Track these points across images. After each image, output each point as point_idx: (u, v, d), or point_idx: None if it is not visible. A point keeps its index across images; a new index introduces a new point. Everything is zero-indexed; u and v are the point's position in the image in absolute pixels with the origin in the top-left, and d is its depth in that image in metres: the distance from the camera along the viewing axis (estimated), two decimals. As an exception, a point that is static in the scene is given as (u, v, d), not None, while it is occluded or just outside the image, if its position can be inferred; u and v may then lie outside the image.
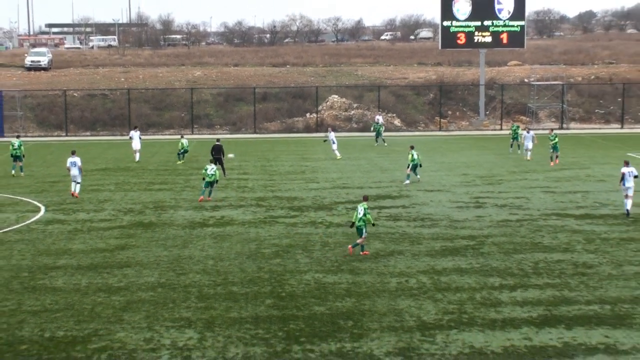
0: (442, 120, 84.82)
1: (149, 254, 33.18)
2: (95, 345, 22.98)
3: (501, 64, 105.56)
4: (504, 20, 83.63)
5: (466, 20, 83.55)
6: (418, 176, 49.76)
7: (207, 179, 44.50)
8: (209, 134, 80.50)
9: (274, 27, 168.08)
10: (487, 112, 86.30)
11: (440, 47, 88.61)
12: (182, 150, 59.37)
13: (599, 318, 25.24)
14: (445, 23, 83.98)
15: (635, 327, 24.41)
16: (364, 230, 32.92)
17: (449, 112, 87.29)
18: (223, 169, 52.40)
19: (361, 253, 32.88)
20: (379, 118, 75.43)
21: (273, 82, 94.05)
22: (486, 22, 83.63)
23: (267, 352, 22.53)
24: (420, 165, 49.88)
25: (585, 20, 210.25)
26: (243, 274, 30.29)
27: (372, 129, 73.70)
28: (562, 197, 45.19)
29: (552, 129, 63.04)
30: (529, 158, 59.77)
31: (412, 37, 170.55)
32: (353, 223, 33.11)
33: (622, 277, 29.71)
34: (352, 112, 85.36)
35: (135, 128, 63.04)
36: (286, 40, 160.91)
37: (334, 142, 61.31)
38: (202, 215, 40.81)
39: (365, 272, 30.32)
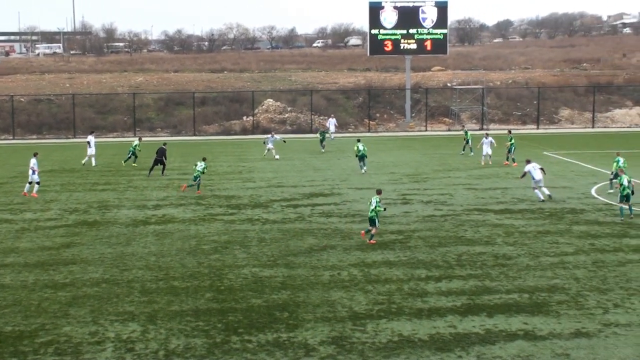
0: (370, 122, 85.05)
1: (93, 251, 32.78)
2: (42, 340, 22.63)
3: (425, 70, 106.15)
4: (428, 29, 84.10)
5: (393, 28, 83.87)
6: (365, 168, 49.87)
7: (195, 174, 46.80)
8: (151, 136, 79.85)
9: (212, 35, 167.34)
10: (413, 115, 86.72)
11: (368, 54, 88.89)
12: (131, 152, 58.33)
13: (518, 306, 25.43)
14: (374, 31, 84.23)
15: (552, 314, 24.63)
16: (376, 221, 33.81)
17: (377, 115, 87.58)
18: (163, 169, 52.98)
19: (368, 241, 33.67)
20: (331, 122, 75.08)
21: (211, 87, 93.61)
22: (411, 31, 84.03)
23: (207, 343, 22.37)
24: (366, 157, 51.07)
25: (503, 29, 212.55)
26: (184, 269, 30.06)
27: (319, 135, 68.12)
28: (483, 194, 45.52)
29: (509, 130, 62.29)
30: (483, 163, 57.17)
31: (342, 44, 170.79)
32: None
33: (539, 267, 29.98)
34: (287, 115, 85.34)
35: (92, 132, 62.16)
36: (224, 47, 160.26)
37: (269, 144, 60.72)
38: (144, 214, 40.44)
39: (300, 266, 30.26)
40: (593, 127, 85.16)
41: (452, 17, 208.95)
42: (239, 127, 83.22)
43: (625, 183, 38.19)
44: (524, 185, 47.02)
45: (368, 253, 32.14)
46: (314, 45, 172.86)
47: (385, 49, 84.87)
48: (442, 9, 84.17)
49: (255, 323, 24.01)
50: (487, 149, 57.34)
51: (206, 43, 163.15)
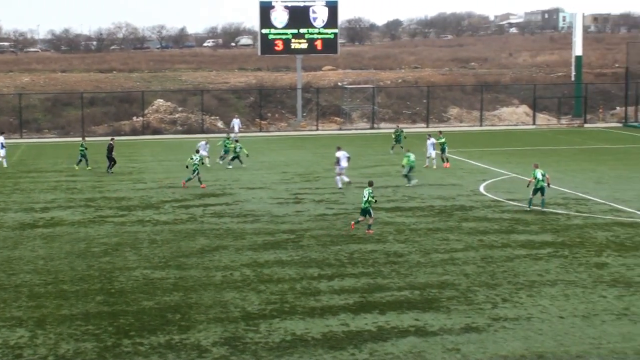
0: (262, 122, 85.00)
1: (-21, 255, 32.06)
2: None
3: (316, 69, 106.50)
4: (319, 28, 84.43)
5: (284, 28, 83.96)
6: (413, 181, 48.47)
7: (191, 167, 47.45)
8: (38, 138, 78.43)
9: (101, 34, 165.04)
10: (304, 114, 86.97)
11: (259, 53, 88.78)
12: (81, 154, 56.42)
13: (410, 303, 25.74)
14: (264, 31, 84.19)
15: (442, 310, 25.00)
16: (370, 211, 35.32)
17: (269, 114, 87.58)
18: (111, 165, 54.56)
19: (366, 232, 35.27)
20: (235, 122, 74.05)
21: (100, 87, 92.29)
22: (302, 30, 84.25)
23: (98, 347, 22.08)
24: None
25: (393, 28, 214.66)
26: (73, 272, 29.61)
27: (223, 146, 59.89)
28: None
29: (440, 131, 60.74)
30: (427, 165, 54.81)
31: (233, 44, 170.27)
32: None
33: (430, 264, 30.40)
34: (177, 115, 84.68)
35: (2, 133, 60.66)
36: (112, 47, 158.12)
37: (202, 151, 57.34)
38: (31, 217, 39.67)
39: (192, 267, 30.10)
40: (481, 125, 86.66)
41: (343, 16, 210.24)
42: (129, 127, 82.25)
43: (539, 177, 39.62)
44: (415, 183, 47.56)
45: (260, 253, 32.14)
46: (205, 44, 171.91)
47: (276, 48, 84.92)
48: (333, 9, 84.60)
49: (147, 325, 23.79)
50: (430, 151, 54.85)
51: (94, 43, 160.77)
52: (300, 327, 23.56)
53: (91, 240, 34.75)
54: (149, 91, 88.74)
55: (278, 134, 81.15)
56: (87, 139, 61.33)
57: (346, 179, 47.04)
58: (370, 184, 36.41)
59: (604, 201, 42.59)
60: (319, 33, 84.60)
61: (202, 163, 48.08)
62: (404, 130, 67.07)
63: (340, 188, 46.24)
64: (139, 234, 35.73)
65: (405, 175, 47.87)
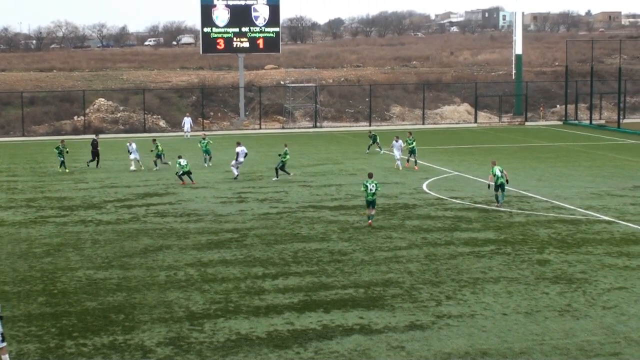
0: (204, 121, 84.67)
1: None
2: None
3: (259, 68, 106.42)
4: (261, 27, 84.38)
5: (225, 26, 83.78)
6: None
7: (183, 170, 47.83)
8: (-23, 137, 77.47)
9: (40, 33, 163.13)
10: (247, 113, 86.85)
11: (201, 52, 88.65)
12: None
13: (354, 301, 25.81)
14: (206, 29, 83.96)
15: (387, 308, 25.10)
16: (375, 203, 36.57)
17: (212, 113, 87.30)
18: (97, 161, 55.84)
19: (369, 222, 36.40)
20: (186, 121, 73.81)
21: (40, 86, 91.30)
22: (244, 29, 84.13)
23: (41, 349, 21.85)
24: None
25: (335, 27, 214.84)
26: (15, 273, 29.26)
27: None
28: (318, 191, 45.99)
29: (410, 132, 58.19)
30: (400, 168, 53.62)
31: (174, 42, 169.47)
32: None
33: (374, 262, 30.51)
34: (119, 114, 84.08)
35: None
36: (52, 46, 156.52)
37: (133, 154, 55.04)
38: (-29, 218, 39.13)
39: (135, 267, 29.90)
40: (423, 123, 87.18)
41: (284, 15, 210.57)
42: (70, 127, 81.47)
43: (498, 173, 40.18)
44: (358, 182, 47.73)
45: (204, 252, 32.03)
46: (146, 43, 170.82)
47: (218, 47, 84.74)
48: (274, 7, 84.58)
49: (90, 326, 23.59)
50: (397, 153, 53.85)
51: (34, 41, 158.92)
52: (245, 327, 23.52)
53: (33, 240, 34.37)
54: (90, 90, 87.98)
55: (221, 133, 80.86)
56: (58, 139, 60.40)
57: (235, 173, 50.02)
58: (370, 176, 37.25)
59: (545, 198, 43.07)
60: (261, 32, 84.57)
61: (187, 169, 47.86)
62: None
63: (236, 177, 49.78)
64: (81, 234, 35.40)
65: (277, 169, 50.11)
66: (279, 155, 50.60)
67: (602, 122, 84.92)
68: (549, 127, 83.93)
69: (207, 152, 56.65)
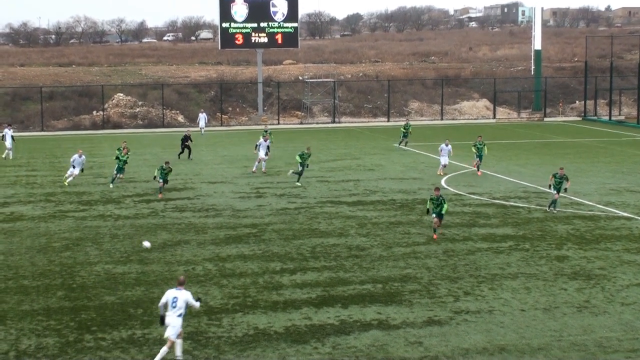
0: (223, 116, 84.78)
1: (-62, 251, 31.74)
2: None
3: (277, 63, 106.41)
4: (279, 22, 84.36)
5: (244, 22, 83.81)
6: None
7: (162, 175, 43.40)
8: (-3, 132, 77.72)
9: (59, 28, 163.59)
10: (265, 108, 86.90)
11: (220, 47, 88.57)
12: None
13: (372, 296, 25.84)
14: (224, 25, 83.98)
15: (405, 304, 25.12)
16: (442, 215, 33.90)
17: (230, 109, 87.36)
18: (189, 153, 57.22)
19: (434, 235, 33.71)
20: (202, 117, 73.86)
21: (59, 81, 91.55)
22: (262, 24, 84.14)
23: (60, 342, 21.96)
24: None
25: (353, 22, 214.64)
26: (34, 267, 29.41)
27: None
28: (336, 186, 46.01)
29: (479, 136, 52.86)
30: (441, 173, 49.72)
31: (193, 37, 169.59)
32: (428, 210, 34.27)
33: (392, 257, 30.52)
34: (138, 109, 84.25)
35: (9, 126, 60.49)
36: (72, 41, 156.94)
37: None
38: (-9, 212, 39.34)
39: (154, 262, 30.01)
40: (442, 119, 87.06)
41: (303, 10, 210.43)
42: (89, 121, 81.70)
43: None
44: (376, 177, 47.79)
45: (222, 247, 32.11)
46: (165, 38, 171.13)
47: (237, 42, 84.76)
48: (293, 3, 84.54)
49: (108, 320, 23.69)
50: (445, 159, 49.68)
51: (53, 36, 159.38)
52: (263, 321, 23.57)
53: (52, 235, 34.53)
54: (108, 85, 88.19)
55: (239, 128, 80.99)
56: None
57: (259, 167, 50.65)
58: (437, 191, 34.26)
59: (564, 194, 42.91)
60: (279, 27, 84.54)
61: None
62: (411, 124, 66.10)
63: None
64: (100, 229, 35.53)
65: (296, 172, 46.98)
66: (302, 157, 46.84)
67: (622, 118, 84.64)
68: (567, 123, 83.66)
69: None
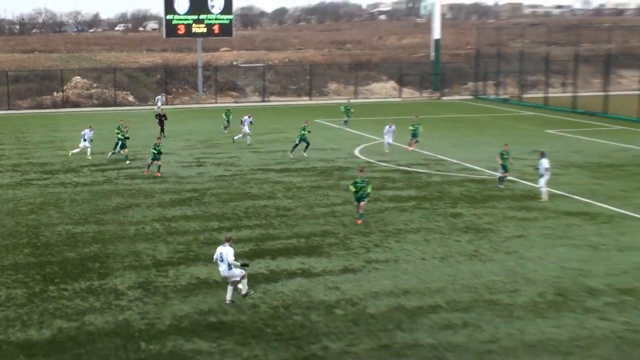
0: (168, 96, 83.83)
1: None
2: None
3: (214, 50, 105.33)
4: (216, 15, 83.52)
5: (185, 14, 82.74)
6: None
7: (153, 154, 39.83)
8: (-32, 111, 76.00)
9: (23, 19, 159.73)
10: (205, 89, 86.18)
11: (165, 37, 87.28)
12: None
13: (297, 249, 26.02)
14: (169, 17, 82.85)
15: (324, 255, 25.36)
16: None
17: (174, 90, 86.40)
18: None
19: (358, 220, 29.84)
20: (159, 98, 72.69)
21: (24, 66, 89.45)
22: (202, 16, 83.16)
23: (27, 293, 21.80)
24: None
25: (280, 15, 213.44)
26: (3, 228, 29.03)
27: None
28: (266, 156, 46.01)
29: (417, 115, 51.88)
30: (388, 151, 46.60)
31: (141, 28, 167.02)
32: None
33: (313, 216, 30.72)
34: (93, 91, 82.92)
35: None
36: (34, 30, 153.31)
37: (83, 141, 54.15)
38: (-36, 181, 38.57)
39: (108, 223, 29.80)
40: (356, 98, 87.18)
41: (237, 4, 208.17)
42: (50, 101, 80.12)
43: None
44: (301, 148, 47.82)
45: (168, 209, 31.98)
46: (116, 28, 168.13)
47: (179, 32, 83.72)
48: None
49: (70, 273, 23.53)
50: (389, 138, 46.85)
51: (17, 26, 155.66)
52: (204, 272, 23.63)
53: (18, 200, 34.04)
54: (67, 69, 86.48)
55: (182, 107, 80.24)
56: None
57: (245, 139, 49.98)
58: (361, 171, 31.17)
59: (458, 161, 43.56)
60: (216, 19, 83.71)
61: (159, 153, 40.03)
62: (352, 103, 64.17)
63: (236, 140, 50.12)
64: (61, 195, 35.11)
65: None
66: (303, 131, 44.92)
67: (507, 96, 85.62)
68: (462, 101, 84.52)
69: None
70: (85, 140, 45.73)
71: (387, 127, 47.11)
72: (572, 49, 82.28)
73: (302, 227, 29.15)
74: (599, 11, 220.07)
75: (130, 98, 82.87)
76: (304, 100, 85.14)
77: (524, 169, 40.81)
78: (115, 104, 79.74)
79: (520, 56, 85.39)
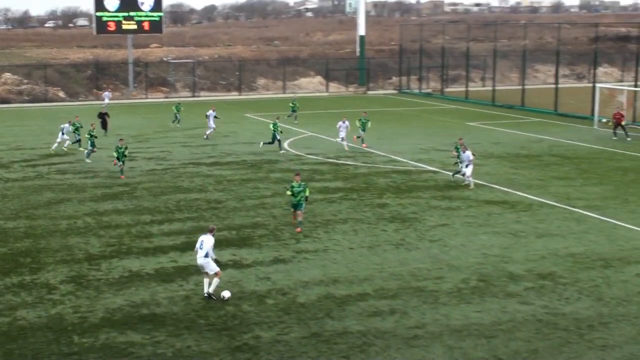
0: (99, 92, 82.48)
1: None
2: None
3: (145, 46, 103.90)
4: (146, 12, 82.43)
5: (116, 11, 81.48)
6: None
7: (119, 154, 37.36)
8: None
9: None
10: (136, 85, 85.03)
11: (95, 33, 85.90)
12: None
13: (228, 241, 25.80)
14: (99, 14, 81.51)
15: (255, 246, 25.19)
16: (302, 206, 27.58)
17: (104, 85, 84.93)
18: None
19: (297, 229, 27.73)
20: (106, 95, 71.30)
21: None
22: (132, 13, 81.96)
23: (-43, 289, 21.12)
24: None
25: (209, 12, 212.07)
26: None
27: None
28: (197, 150, 45.56)
29: (364, 111, 50.72)
30: (347, 148, 44.93)
31: (71, 25, 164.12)
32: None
33: (244, 208, 30.52)
34: (23, 87, 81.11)
35: None
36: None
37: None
38: None
39: (40, 217, 29.13)
40: (284, 92, 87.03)
41: (166, 2, 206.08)
42: (-20, 98, 78.26)
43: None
44: (230, 142, 47.52)
45: (100, 203, 31.41)
46: (46, 25, 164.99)
47: (109, 29, 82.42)
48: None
49: (1, 269, 22.93)
50: (343, 133, 44.97)
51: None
52: (136, 265, 23.25)
53: (-52, 196, 33.06)
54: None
55: (113, 102, 78.94)
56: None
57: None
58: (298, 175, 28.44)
59: (384, 154, 43.75)
60: (147, 16, 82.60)
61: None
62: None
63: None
64: (-9, 190, 34.22)
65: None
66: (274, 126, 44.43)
67: (429, 90, 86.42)
68: (387, 95, 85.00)
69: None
70: (63, 134, 44.98)
71: (341, 122, 45.24)
72: (490, 44, 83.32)
73: (233, 219, 28.92)
74: (515, 9, 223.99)
75: (61, 94, 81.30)
76: (234, 95, 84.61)
77: (446, 160, 41.14)
78: (46, 100, 78.13)
79: (442, 52, 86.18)
